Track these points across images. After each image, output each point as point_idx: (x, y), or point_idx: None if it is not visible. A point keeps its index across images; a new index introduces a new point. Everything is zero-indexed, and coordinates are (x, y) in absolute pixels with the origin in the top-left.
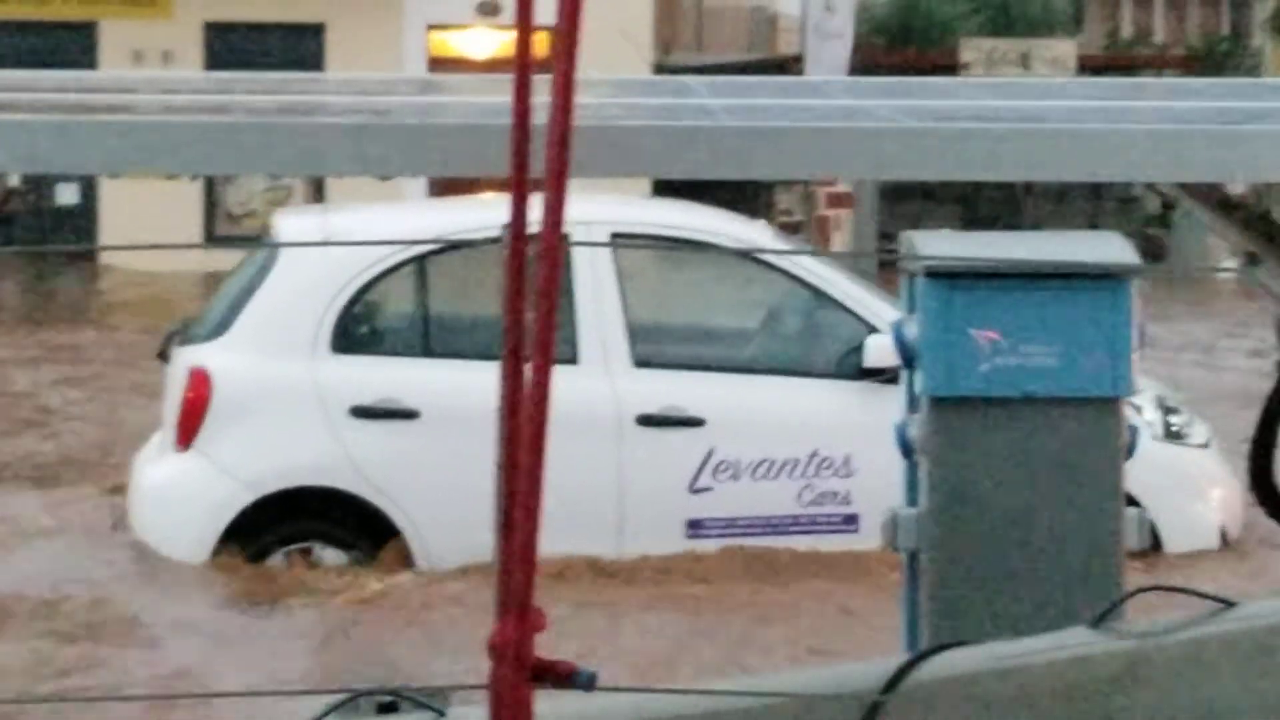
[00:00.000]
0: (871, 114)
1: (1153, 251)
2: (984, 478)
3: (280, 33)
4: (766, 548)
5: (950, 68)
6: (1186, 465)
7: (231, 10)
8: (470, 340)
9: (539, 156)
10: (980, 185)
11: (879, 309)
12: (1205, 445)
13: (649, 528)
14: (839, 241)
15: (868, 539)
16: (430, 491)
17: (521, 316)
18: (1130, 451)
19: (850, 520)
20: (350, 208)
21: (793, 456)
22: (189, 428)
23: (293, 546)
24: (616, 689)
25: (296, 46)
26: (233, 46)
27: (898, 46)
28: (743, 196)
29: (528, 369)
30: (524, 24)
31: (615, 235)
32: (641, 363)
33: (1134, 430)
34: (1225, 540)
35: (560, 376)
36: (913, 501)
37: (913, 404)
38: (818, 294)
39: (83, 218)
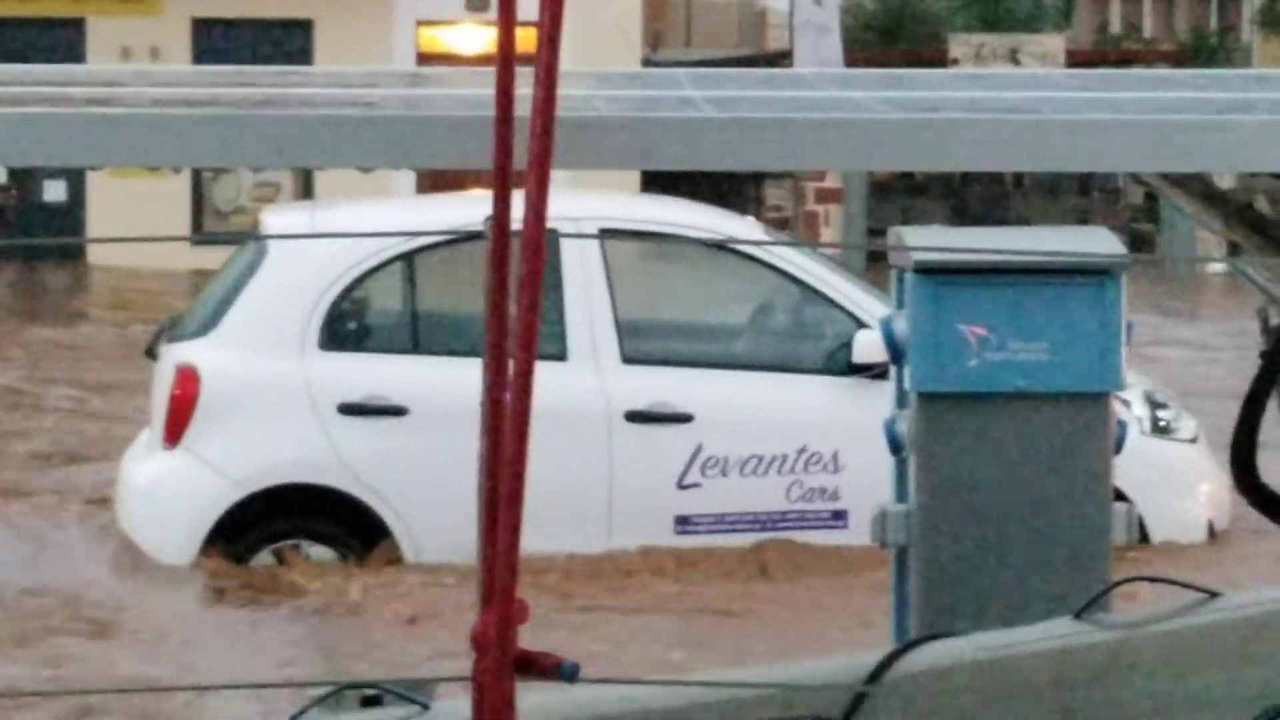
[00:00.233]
0: (857, 106)
1: (1141, 245)
2: (973, 473)
3: (269, 29)
4: (755, 543)
5: (939, 63)
6: (1175, 460)
7: (220, 6)
8: (458, 337)
9: (524, 150)
10: (969, 180)
11: (868, 304)
12: (1193, 440)
13: (637, 523)
14: (828, 237)
15: (857, 535)
16: (419, 488)
17: (504, 309)
18: (1119, 446)
19: (839, 516)
20: (338, 204)
21: (781, 452)
22: (177, 425)
23: (281, 543)
24: (600, 681)
25: (285, 42)
26: (221, 42)
27: (887, 42)
28: (731, 192)
29: (511, 362)
30: (507, 16)
31: (603, 231)
32: (630, 359)
33: (1122, 425)
34: (1213, 534)
35: (549, 373)
36: (902, 497)
37: (901, 399)
38: (806, 289)
39: (70, 214)
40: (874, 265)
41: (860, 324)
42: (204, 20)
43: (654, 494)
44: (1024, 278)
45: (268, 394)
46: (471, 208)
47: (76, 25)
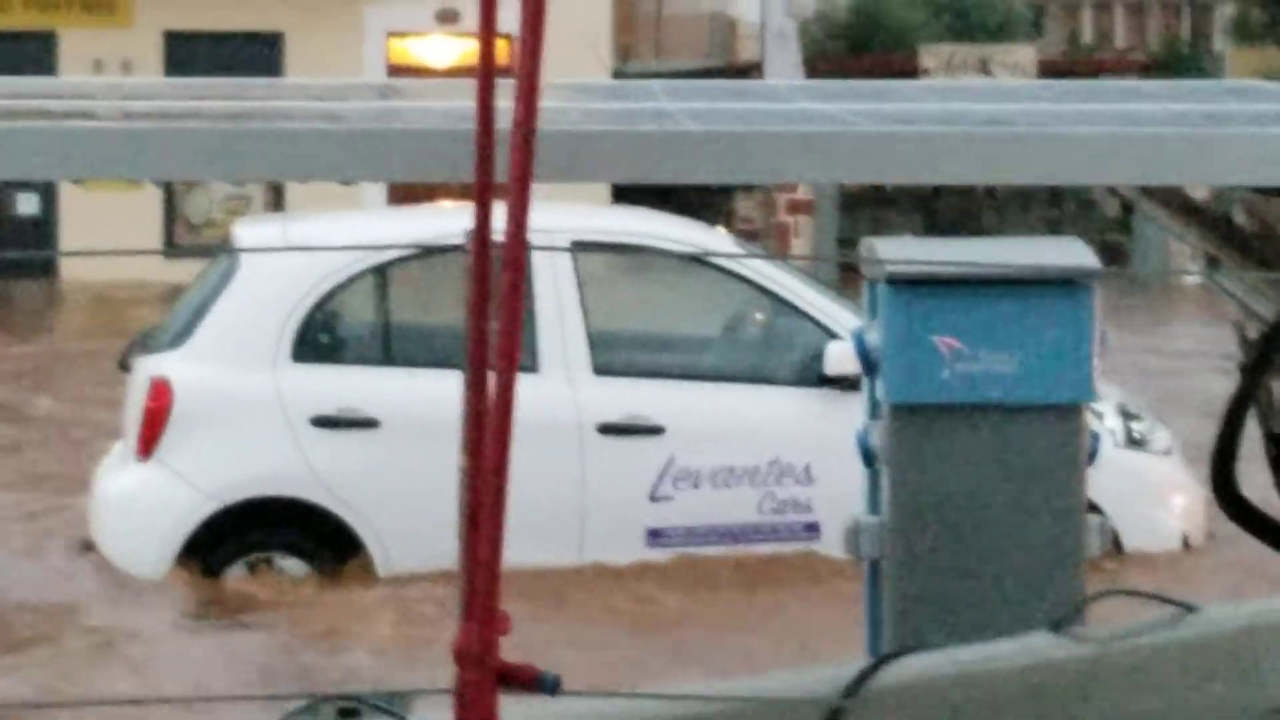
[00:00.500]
0: (832, 118)
1: (1114, 257)
2: (946, 485)
3: (240, 41)
4: (727, 556)
5: (910, 73)
6: (1149, 472)
7: (191, 19)
8: (430, 349)
9: (503, 163)
10: (940, 191)
11: (840, 316)
12: (1167, 452)
13: (609, 536)
14: (799, 248)
15: (829, 547)
16: (391, 500)
17: (486, 322)
18: (1092, 458)
19: (811, 528)
20: (310, 216)
21: (753, 464)
22: (150, 437)
23: (254, 556)
24: (580, 694)
25: (256, 55)
26: (192, 55)
27: (859, 52)
28: (702, 203)
29: (491, 374)
30: (488, 30)
31: (575, 243)
32: (602, 371)
33: (1096, 437)
34: (1188, 547)
35: (521, 385)
36: (874, 509)
37: (874, 411)
38: (778, 301)
39: (43, 228)
40: (846, 276)
41: (832, 335)
42: (175, 33)
43: (626, 506)
44: (997, 288)
45: (240, 406)
46: (443, 220)
47: (48, 38)
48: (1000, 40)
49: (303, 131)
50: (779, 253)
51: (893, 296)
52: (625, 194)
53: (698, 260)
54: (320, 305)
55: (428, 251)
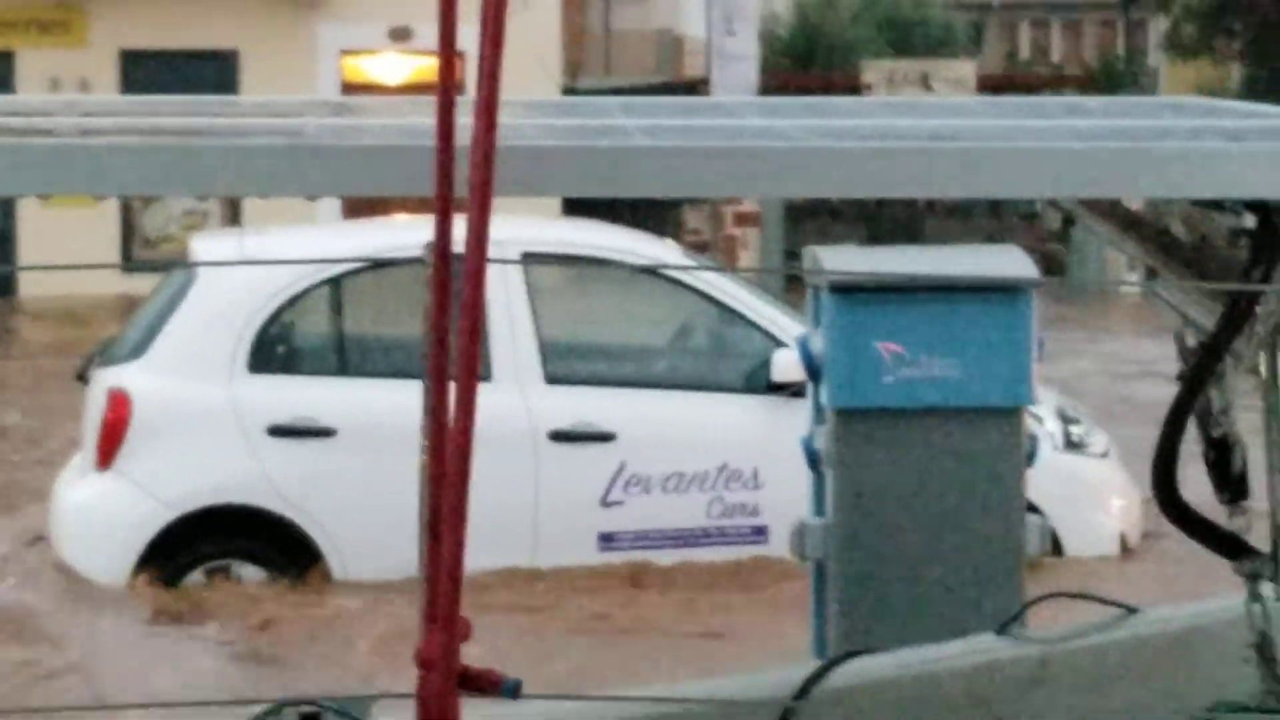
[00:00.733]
0: (784, 134)
1: (1051, 267)
2: (888, 487)
3: (195, 60)
4: (677, 560)
5: (853, 88)
6: (1087, 474)
7: (146, 38)
8: (385, 359)
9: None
10: (884, 203)
11: (785, 324)
12: (1105, 455)
13: (562, 541)
14: (746, 259)
15: (776, 550)
16: (347, 508)
17: (446, 333)
18: (1031, 460)
19: (759, 532)
20: (267, 230)
21: (702, 470)
22: (108, 448)
23: (213, 564)
24: (540, 697)
25: (211, 73)
26: (148, 74)
27: (802, 68)
28: (651, 215)
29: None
30: (447, 45)
31: (526, 254)
32: (553, 379)
33: (1034, 439)
34: (1125, 548)
35: None
36: (819, 512)
37: (819, 416)
38: (725, 310)
39: (1, 245)
40: (791, 287)
41: (778, 343)
42: (131, 52)
43: (578, 512)
44: (938, 295)
45: (198, 416)
46: (397, 233)
47: (6, 58)
48: (941, 56)
49: (262, 147)
50: (727, 265)
51: (836, 304)
52: (575, 206)
53: (648, 271)
54: (276, 317)
55: (380, 265)
